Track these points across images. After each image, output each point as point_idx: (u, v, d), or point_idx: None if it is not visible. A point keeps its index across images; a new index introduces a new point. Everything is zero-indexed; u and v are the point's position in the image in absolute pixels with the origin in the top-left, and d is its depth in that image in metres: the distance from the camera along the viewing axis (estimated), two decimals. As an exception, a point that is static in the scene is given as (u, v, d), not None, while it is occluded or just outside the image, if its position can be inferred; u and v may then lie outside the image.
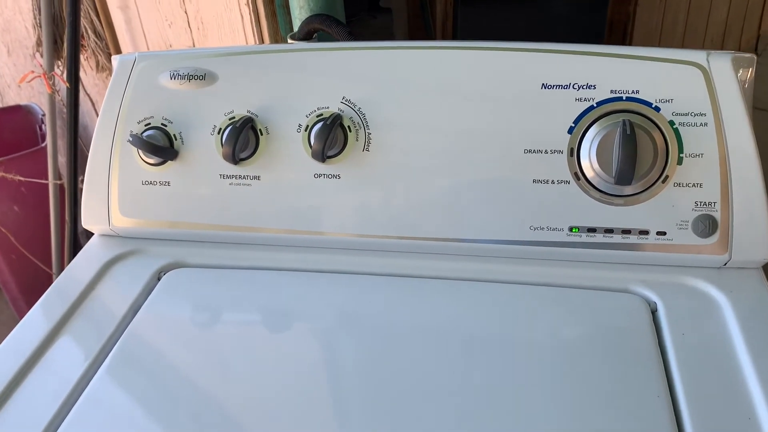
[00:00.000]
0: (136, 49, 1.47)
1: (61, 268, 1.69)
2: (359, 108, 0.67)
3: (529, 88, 0.65)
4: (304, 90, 0.69)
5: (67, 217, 1.40)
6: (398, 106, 0.67)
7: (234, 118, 0.69)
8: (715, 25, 2.64)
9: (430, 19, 1.47)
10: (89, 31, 1.51)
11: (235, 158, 0.68)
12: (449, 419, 0.52)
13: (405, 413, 0.53)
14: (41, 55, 1.56)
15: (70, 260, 1.44)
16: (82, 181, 1.49)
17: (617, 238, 0.64)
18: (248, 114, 0.69)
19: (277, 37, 1.18)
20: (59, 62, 1.56)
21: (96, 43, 1.52)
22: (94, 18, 1.50)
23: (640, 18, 2.16)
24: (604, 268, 0.66)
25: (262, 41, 1.17)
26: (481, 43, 0.66)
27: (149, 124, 0.71)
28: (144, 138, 0.69)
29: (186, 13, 1.27)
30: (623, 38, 2.20)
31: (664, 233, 0.63)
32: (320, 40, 1.10)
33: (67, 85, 1.29)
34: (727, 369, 0.55)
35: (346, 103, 0.68)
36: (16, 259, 1.85)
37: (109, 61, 1.55)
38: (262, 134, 0.69)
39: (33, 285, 1.91)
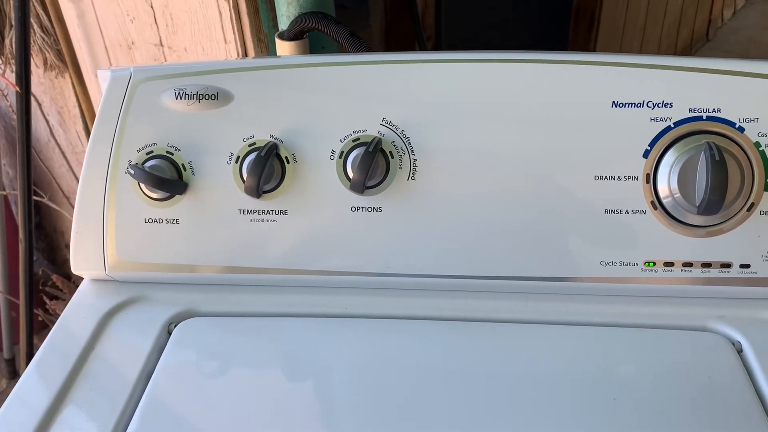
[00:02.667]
0: (90, 46, 1.32)
1: (8, 288, 1.54)
2: (402, 131, 0.59)
3: (598, 106, 0.57)
4: (336, 110, 0.59)
5: (21, 235, 1.26)
6: (447, 128, 0.59)
7: (255, 144, 0.59)
8: (672, 13, 2.66)
9: (417, 12, 1.38)
10: (35, 26, 1.35)
11: (259, 191, 0.58)
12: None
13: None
14: (-21, 54, 1.39)
15: (26, 281, 1.31)
16: (36, 194, 1.34)
17: (696, 272, 0.58)
18: (272, 139, 0.59)
19: (260, 36, 1.07)
20: (1, 60, 1.40)
21: (43, 39, 1.37)
22: (41, 11, 1.34)
23: (606, 6, 2.13)
24: (676, 305, 0.60)
25: (243, 40, 1.06)
26: (543, 54, 0.58)
27: (152, 152, 0.60)
28: (146, 169, 0.59)
29: (152, 7, 1.14)
30: (590, 26, 2.17)
31: (748, 266, 0.58)
32: (311, 41, 1.00)
33: (17, 89, 1.14)
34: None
35: (387, 125, 0.59)
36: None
37: (59, 58, 1.40)
38: (288, 162, 0.60)
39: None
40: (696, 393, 0.52)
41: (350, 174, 0.58)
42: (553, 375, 0.54)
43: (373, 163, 0.57)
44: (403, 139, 0.59)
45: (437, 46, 1.54)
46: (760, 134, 0.56)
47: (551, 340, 0.57)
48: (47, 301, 1.54)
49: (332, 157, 0.59)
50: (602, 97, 0.57)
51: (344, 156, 0.59)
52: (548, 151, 0.58)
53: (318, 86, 0.60)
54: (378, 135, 0.59)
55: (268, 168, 0.58)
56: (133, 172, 0.58)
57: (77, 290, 0.64)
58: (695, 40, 2.97)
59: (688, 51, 2.91)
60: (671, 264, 0.58)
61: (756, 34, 3.06)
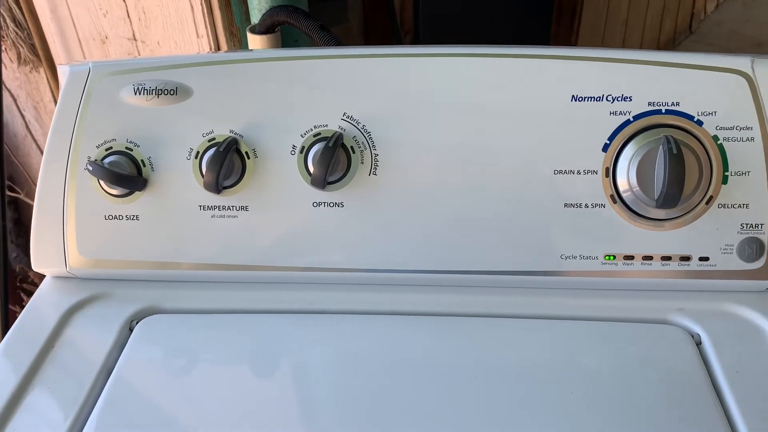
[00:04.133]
0: (64, 40, 1.31)
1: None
2: (363, 126, 0.58)
3: (558, 100, 0.57)
4: (297, 105, 0.59)
5: (-7, 232, 1.24)
6: (408, 123, 0.58)
7: (215, 139, 0.59)
8: (654, 5, 2.66)
9: (393, 5, 1.37)
10: (7, 20, 1.34)
11: (218, 187, 0.58)
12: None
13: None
14: (-49, 48, 1.37)
15: (1, 278, 1.29)
16: (10, 189, 1.33)
17: (656, 266, 0.58)
18: (231, 134, 0.59)
19: (232, 29, 1.06)
20: (-27, 55, 1.38)
21: (16, 33, 1.35)
22: (13, 5, 1.33)
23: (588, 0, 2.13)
24: (635, 298, 0.60)
25: (215, 34, 1.06)
26: (503, 48, 0.58)
27: (111, 148, 0.60)
28: (105, 165, 0.58)
29: (124, 1, 1.13)
30: (572, 18, 2.17)
31: (707, 258, 0.58)
32: (284, 35, 1.00)
33: (-12, 84, 1.13)
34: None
35: (348, 120, 0.58)
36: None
37: (33, 53, 1.39)
38: (248, 158, 0.59)
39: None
40: (653, 385, 0.53)
41: (311, 169, 0.58)
42: (512, 367, 0.54)
43: (334, 158, 0.56)
44: (365, 134, 0.58)
45: (415, 40, 1.53)
46: (718, 127, 0.56)
47: (510, 334, 0.57)
48: (25, 298, 1.53)
49: (293, 153, 0.59)
50: (562, 92, 0.57)
51: (305, 151, 0.59)
52: (508, 145, 0.58)
53: (279, 81, 0.59)
54: (339, 130, 0.58)
55: (227, 163, 0.57)
56: (91, 168, 0.58)
57: (38, 288, 0.64)
58: (678, 33, 2.98)
59: (671, 44, 2.91)
60: (631, 257, 0.58)
61: (739, 26, 3.07)
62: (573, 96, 0.57)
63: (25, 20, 1.34)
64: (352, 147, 0.58)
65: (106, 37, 1.22)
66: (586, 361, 0.55)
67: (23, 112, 1.58)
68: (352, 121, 0.58)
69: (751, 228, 0.57)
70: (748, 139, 0.56)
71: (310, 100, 0.59)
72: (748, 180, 0.56)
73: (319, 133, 0.58)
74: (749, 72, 0.56)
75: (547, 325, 0.58)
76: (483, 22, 1.81)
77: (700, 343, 0.57)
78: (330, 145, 0.56)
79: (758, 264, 0.58)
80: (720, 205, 0.57)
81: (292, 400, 0.53)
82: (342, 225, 0.59)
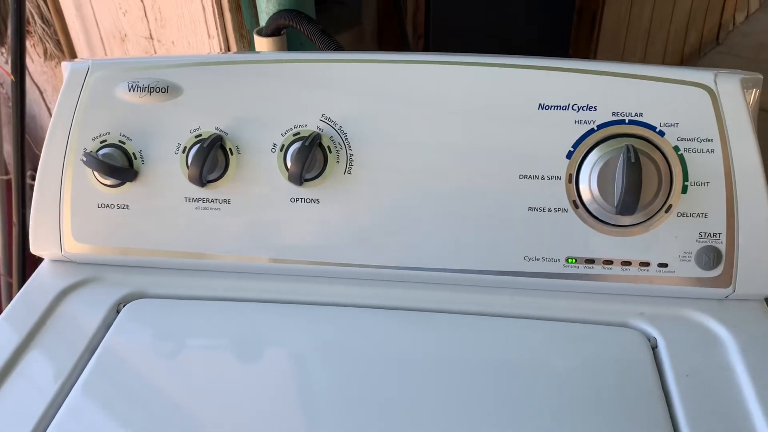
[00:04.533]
0: (87, 37, 1.37)
1: (8, 271, 1.59)
2: (340, 126, 0.62)
3: (525, 108, 0.60)
4: (279, 106, 0.62)
5: (14, 219, 1.30)
6: (383, 125, 0.61)
7: (201, 135, 0.63)
8: (679, 14, 2.65)
9: (402, 8, 1.40)
10: (35, 17, 1.40)
11: (202, 180, 0.61)
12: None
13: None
14: (-18, 42, 1.44)
15: (19, 264, 1.36)
16: (32, 177, 1.39)
17: (617, 270, 0.60)
18: (217, 131, 0.63)
19: (242, 31, 1.10)
20: (3, 49, 1.45)
21: (43, 29, 1.41)
22: (41, 1, 1.39)
23: (609, 6, 2.13)
24: (599, 300, 0.62)
25: (225, 36, 1.10)
26: (475, 57, 0.61)
27: (105, 141, 0.64)
28: (99, 157, 0.62)
29: (142, 1, 1.18)
30: (592, 26, 2.17)
31: (666, 265, 0.60)
32: (290, 38, 1.03)
33: (12, 78, 1.19)
34: (735, 414, 0.52)
35: (326, 121, 0.62)
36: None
37: (58, 48, 1.45)
38: (232, 154, 0.63)
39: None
40: (603, 384, 0.55)
41: (289, 166, 0.61)
42: (463, 361, 0.56)
43: (310, 157, 0.60)
44: (341, 134, 0.62)
45: (426, 46, 1.56)
46: (679, 138, 0.58)
47: (471, 330, 0.60)
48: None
49: (273, 150, 0.62)
50: (530, 100, 0.60)
51: (285, 149, 0.62)
52: (477, 150, 0.60)
53: (263, 82, 0.63)
54: (317, 130, 0.62)
55: (211, 158, 0.61)
56: (86, 159, 0.62)
57: (36, 270, 0.68)
58: (704, 44, 2.95)
59: (697, 55, 2.89)
60: (592, 261, 0.61)
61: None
62: (540, 104, 0.60)
63: (52, 17, 1.40)
64: (329, 147, 0.62)
65: (126, 35, 1.27)
66: (539, 358, 0.57)
67: (49, 106, 1.64)
68: (329, 122, 0.62)
69: (709, 237, 0.59)
70: (708, 150, 0.58)
71: (291, 101, 0.62)
72: (708, 190, 0.58)
73: (298, 133, 0.62)
74: (712, 86, 0.58)
75: (506, 323, 0.60)
76: (498, 29, 1.83)
77: (656, 347, 0.59)
78: (306, 144, 0.59)
79: (715, 272, 0.59)
80: (679, 214, 0.59)
81: (263, 382, 0.56)
82: (317, 220, 0.63)
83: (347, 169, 0.62)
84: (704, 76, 0.58)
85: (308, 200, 0.62)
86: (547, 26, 2.05)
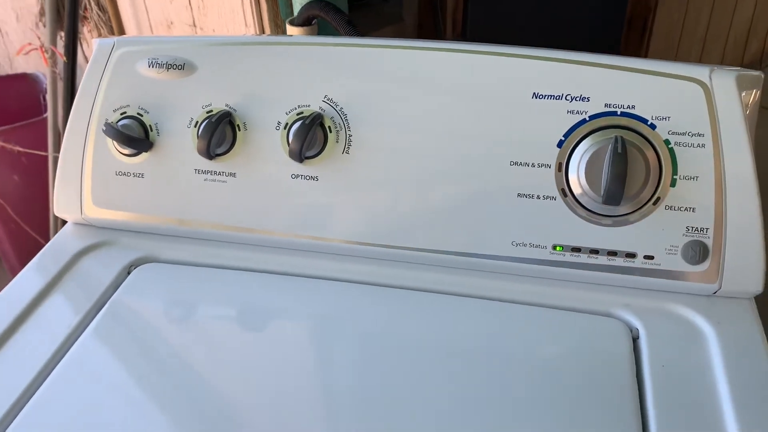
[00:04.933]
0: (138, 24, 1.44)
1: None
2: (341, 108, 0.64)
3: (519, 96, 0.61)
4: (285, 86, 0.66)
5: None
6: (382, 108, 0.64)
7: (212, 111, 0.67)
8: (739, 24, 2.57)
9: (438, 7, 1.42)
10: (92, 3, 1.48)
11: (210, 153, 0.65)
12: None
13: (362, 420, 0.50)
14: (44, 26, 1.53)
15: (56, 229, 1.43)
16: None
17: (602, 260, 0.61)
18: (226, 108, 0.66)
19: (277, 21, 1.14)
20: (62, 34, 1.53)
21: (99, 15, 1.49)
22: (98, -10, 1.47)
23: (661, 13, 2.10)
24: (587, 290, 0.63)
25: (261, 25, 1.14)
26: (471, 45, 0.62)
27: (125, 113, 0.68)
28: (118, 128, 0.67)
29: (187, -10, 1.24)
30: (642, 34, 2.14)
31: (652, 257, 0.60)
32: (320, 27, 1.07)
33: (65, 59, 1.26)
34: (705, 408, 0.52)
35: (328, 102, 0.65)
36: (14, 229, 1.84)
37: (112, 34, 1.53)
38: (239, 130, 0.66)
39: (32, 255, 1.91)
40: (577, 370, 0.56)
41: (291, 144, 0.64)
42: (441, 341, 0.58)
43: (310, 135, 0.62)
44: (342, 115, 0.64)
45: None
46: (670, 132, 0.59)
47: (453, 311, 0.61)
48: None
49: (277, 128, 0.66)
50: (525, 88, 0.61)
51: (288, 127, 0.65)
52: (470, 135, 0.62)
53: (273, 63, 0.66)
54: (319, 110, 0.65)
55: (218, 133, 0.65)
56: (105, 129, 0.66)
57: (59, 231, 0.73)
58: (766, 54, 2.86)
59: (758, 65, 2.80)
60: (578, 249, 0.61)
61: (836, 52, 2.91)
62: (534, 93, 0.61)
63: (106, 4, 1.48)
64: (329, 126, 0.64)
65: (172, 23, 1.33)
66: (519, 342, 0.58)
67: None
68: (331, 103, 0.64)
69: (696, 231, 0.59)
70: (699, 145, 0.58)
71: (297, 82, 0.65)
72: (696, 185, 0.58)
73: (301, 112, 0.65)
74: (706, 81, 0.58)
75: (489, 306, 0.62)
76: (543, 34, 1.83)
77: (638, 338, 0.59)
78: (307, 122, 0.62)
79: (702, 267, 0.59)
80: (667, 207, 0.59)
81: (257, 345, 0.59)
82: (315, 196, 0.65)
83: (345, 149, 0.64)
84: (699, 71, 0.59)
85: (308, 177, 0.65)
86: (595, 32, 2.02)
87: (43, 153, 1.64)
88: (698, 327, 0.59)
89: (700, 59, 2.41)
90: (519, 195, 0.62)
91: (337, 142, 0.64)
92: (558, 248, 0.62)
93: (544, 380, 0.55)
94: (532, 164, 0.61)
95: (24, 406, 0.53)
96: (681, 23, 2.26)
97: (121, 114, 0.68)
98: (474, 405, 0.53)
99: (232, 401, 0.54)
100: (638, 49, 2.13)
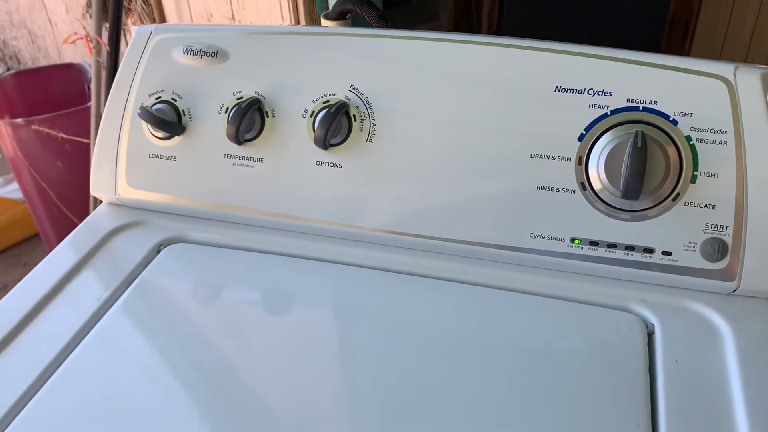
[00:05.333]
0: (180, 16, 1.48)
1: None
2: (366, 97, 0.66)
3: (542, 89, 0.62)
4: (313, 75, 0.67)
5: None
6: (406, 98, 0.65)
7: (242, 98, 0.69)
8: (788, 27, 2.51)
9: (473, 6, 1.43)
10: (137, -4, 1.53)
11: (239, 139, 0.67)
12: (419, 422, 0.51)
13: (373, 411, 0.52)
14: (90, 17, 1.58)
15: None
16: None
17: (620, 254, 0.61)
18: (256, 95, 0.68)
19: (312, 15, 1.16)
20: (107, 25, 1.58)
21: (143, 8, 1.54)
22: (142, -17, 1.51)
23: (704, 14, 2.06)
24: (604, 284, 0.63)
25: (297, 18, 1.16)
26: (496, 39, 0.63)
27: (160, 97, 0.71)
28: (153, 112, 0.69)
29: (227, -16, 1.27)
30: (684, 36, 2.11)
31: (670, 253, 0.60)
32: (354, 21, 1.08)
33: (108, 48, 1.31)
34: (716, 405, 0.52)
35: (354, 91, 0.66)
36: (57, 213, 1.91)
37: (154, 26, 1.57)
38: (268, 116, 0.68)
39: (72, 239, 1.97)
40: (590, 363, 0.56)
41: (316, 131, 0.66)
42: (460, 331, 0.59)
43: (335, 123, 0.64)
44: (366, 104, 0.66)
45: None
46: (692, 128, 0.59)
47: (471, 300, 0.62)
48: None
49: (304, 116, 0.67)
50: (546, 81, 0.62)
51: (314, 115, 0.67)
52: (492, 127, 0.63)
53: (302, 52, 0.68)
54: (344, 99, 0.66)
55: (247, 119, 0.67)
56: (140, 112, 0.69)
57: (95, 210, 0.76)
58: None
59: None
60: (596, 243, 0.62)
61: None
62: (557, 87, 0.61)
63: (150, -3, 1.52)
64: (354, 115, 0.66)
65: (212, 16, 1.36)
66: (533, 333, 0.59)
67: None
68: (357, 92, 0.66)
69: (715, 228, 0.59)
70: (721, 142, 0.58)
71: (325, 70, 0.67)
72: (717, 182, 0.58)
73: (327, 101, 0.67)
74: (731, 78, 0.58)
75: (506, 297, 0.63)
76: (580, 35, 1.81)
77: (653, 333, 0.59)
78: (332, 110, 0.64)
79: (721, 264, 0.59)
80: (686, 203, 0.59)
81: (278, 327, 0.61)
82: (338, 183, 0.67)
83: (369, 138, 0.66)
84: (724, 68, 0.58)
85: (332, 164, 0.67)
86: (634, 35, 2.00)
87: (85, 140, 1.69)
88: (715, 325, 0.59)
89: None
90: (539, 187, 0.62)
91: (361, 130, 0.66)
92: (576, 241, 0.62)
93: (557, 371, 0.55)
94: (553, 157, 0.62)
95: (51, 375, 0.56)
96: (725, 26, 2.21)
97: (156, 99, 0.71)
98: (487, 394, 0.53)
99: (254, 382, 0.55)
100: (679, 53, 2.09)
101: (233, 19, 1.31)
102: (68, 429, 0.52)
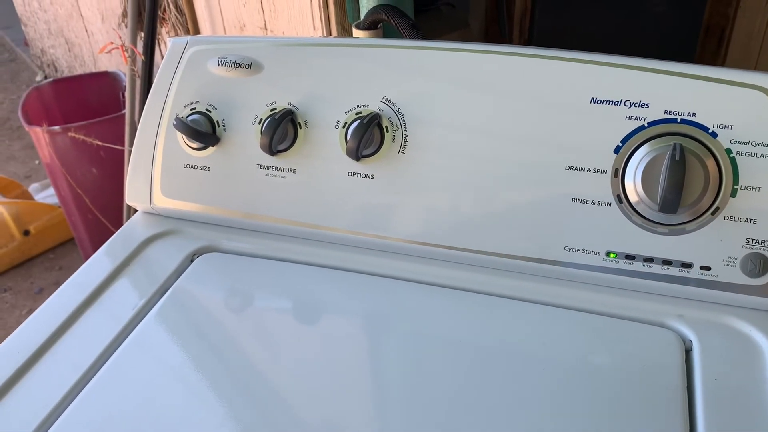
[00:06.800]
0: (213, 25, 1.50)
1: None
2: (398, 108, 0.66)
3: (577, 100, 0.61)
4: (346, 86, 0.68)
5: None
6: (439, 109, 0.65)
7: (275, 109, 0.69)
8: (827, 35, 2.45)
9: (504, 14, 1.42)
10: (171, 6, 1.55)
11: (272, 149, 0.68)
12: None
13: (403, 423, 0.52)
14: (126, 26, 1.61)
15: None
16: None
17: (657, 269, 0.60)
18: (289, 106, 0.69)
19: (344, 24, 1.17)
20: (142, 34, 1.61)
21: (176, 17, 1.56)
22: (177, -7, 1.53)
23: (740, 22, 2.02)
24: (641, 299, 0.62)
25: (329, 28, 1.17)
26: (530, 49, 0.63)
27: (195, 108, 0.72)
28: (188, 122, 0.70)
29: (260, -6, 1.28)
30: (719, 44, 2.07)
31: (709, 268, 0.59)
32: (385, 31, 1.09)
33: (143, 57, 1.33)
34: (756, 422, 0.51)
35: (386, 102, 0.66)
36: (91, 219, 1.94)
37: (187, 35, 1.59)
38: (301, 127, 0.69)
39: (106, 244, 2.00)
40: (628, 379, 0.55)
41: (348, 142, 0.66)
42: (492, 344, 0.59)
43: (367, 134, 0.64)
44: (399, 116, 0.66)
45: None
46: (732, 141, 0.57)
47: (505, 314, 0.62)
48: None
49: (336, 127, 0.68)
50: (583, 93, 0.61)
51: (346, 126, 0.67)
52: (526, 138, 0.62)
53: (334, 64, 0.68)
54: (377, 110, 0.66)
55: (281, 130, 0.67)
56: (176, 123, 0.70)
57: (130, 219, 0.78)
58: None
59: None
60: (632, 257, 0.61)
61: None
62: (593, 98, 0.61)
63: (184, 7, 1.54)
64: (386, 126, 0.66)
65: (244, 25, 1.38)
66: (570, 348, 0.58)
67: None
68: (389, 104, 0.66)
69: (756, 243, 0.57)
70: (762, 155, 0.57)
71: (357, 82, 0.67)
72: (758, 195, 0.57)
73: (360, 112, 0.67)
74: (772, 89, 0.57)
75: (542, 311, 0.62)
76: (613, 41, 1.79)
77: (691, 350, 0.58)
78: (364, 122, 0.64)
79: (762, 281, 0.58)
80: (726, 217, 0.58)
81: (310, 337, 0.61)
82: (370, 194, 0.67)
83: (401, 149, 0.66)
84: (764, 79, 0.57)
85: (364, 175, 0.67)
86: (668, 43, 1.97)
87: (120, 147, 1.72)
88: (755, 342, 0.58)
89: (781, 71, 2.31)
90: (573, 200, 0.61)
91: (393, 141, 0.66)
92: (612, 255, 0.61)
93: (593, 387, 0.55)
94: (588, 169, 0.61)
95: (89, 381, 0.57)
96: (762, 34, 2.17)
97: (191, 109, 0.72)
98: (521, 409, 0.53)
99: (285, 390, 0.55)
100: (714, 61, 2.06)
101: (265, 28, 1.33)
102: (104, 436, 0.52)
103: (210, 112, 0.72)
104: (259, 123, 0.70)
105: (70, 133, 1.74)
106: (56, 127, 1.76)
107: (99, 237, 1.98)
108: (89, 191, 1.88)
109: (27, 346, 0.60)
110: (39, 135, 1.79)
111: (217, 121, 0.71)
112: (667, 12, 1.91)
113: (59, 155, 1.81)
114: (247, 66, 0.70)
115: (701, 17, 2.03)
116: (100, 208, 1.89)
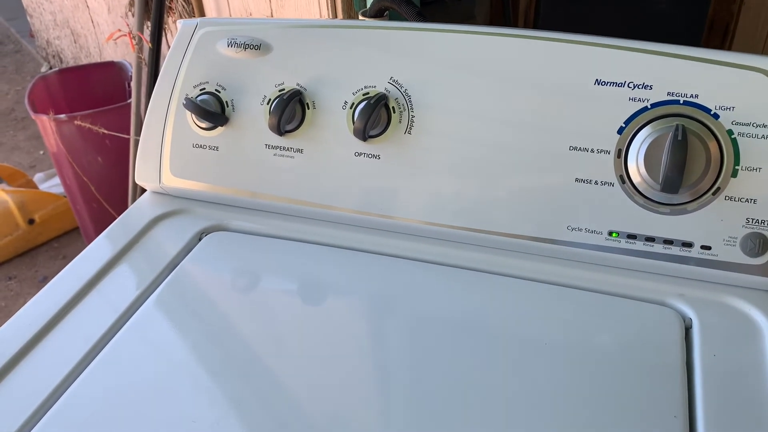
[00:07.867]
0: (219, 14, 1.51)
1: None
2: (405, 90, 0.67)
3: (582, 82, 0.62)
4: (353, 67, 0.69)
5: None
6: (445, 90, 0.66)
7: (284, 89, 0.70)
8: (831, 31, 2.45)
9: (509, 7, 1.43)
10: (178, -5, 1.56)
11: (280, 129, 0.69)
12: (454, 415, 0.51)
13: (408, 402, 0.53)
14: (133, 15, 1.62)
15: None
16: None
17: (658, 248, 0.61)
18: (297, 87, 0.70)
19: (350, 12, 1.18)
20: (148, 23, 1.62)
21: (183, 6, 1.57)
22: (183, -18, 1.54)
23: (744, 18, 2.03)
24: (642, 278, 0.63)
25: (335, 16, 1.18)
26: (535, 32, 0.64)
27: (204, 89, 0.73)
28: (197, 102, 0.71)
29: (266, -18, 1.29)
30: (723, 39, 2.07)
31: (709, 248, 0.60)
32: (391, 19, 1.09)
33: (150, 45, 1.34)
34: (755, 399, 0.52)
35: (393, 83, 0.67)
36: (96, 208, 1.96)
37: (194, 25, 1.60)
38: (309, 108, 0.70)
39: (110, 233, 2.02)
40: (629, 355, 0.56)
41: (355, 123, 0.67)
42: (496, 323, 0.60)
43: (374, 115, 0.65)
44: (405, 97, 0.67)
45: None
46: (734, 122, 0.58)
47: (508, 293, 0.63)
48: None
49: (344, 108, 0.69)
50: (587, 74, 0.62)
51: (354, 107, 0.68)
52: (530, 119, 0.63)
53: (342, 45, 0.69)
54: (384, 91, 0.67)
55: (289, 110, 0.68)
56: (185, 103, 0.71)
57: (139, 198, 0.79)
58: None
59: None
60: (634, 237, 0.62)
61: None
62: (597, 80, 0.62)
63: (191, -4, 1.55)
64: (393, 107, 0.67)
65: (251, 14, 1.39)
66: (570, 326, 0.59)
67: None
68: (396, 85, 0.67)
69: (756, 223, 0.58)
70: (763, 136, 0.58)
71: (365, 63, 0.68)
72: (759, 176, 0.58)
73: (367, 93, 0.68)
74: (774, 72, 0.58)
75: (543, 289, 0.63)
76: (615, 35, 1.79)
77: (690, 328, 0.59)
78: (371, 102, 0.65)
79: (761, 260, 0.59)
80: (727, 198, 0.59)
81: (316, 317, 0.62)
82: (377, 174, 0.68)
83: (408, 130, 0.67)
84: (765, 61, 0.58)
85: (370, 155, 0.68)
86: (673, 36, 1.97)
87: (125, 136, 1.73)
88: (754, 320, 0.59)
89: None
90: (577, 180, 0.62)
91: (399, 122, 0.67)
92: (614, 234, 0.62)
93: (594, 364, 0.56)
94: (592, 150, 0.62)
95: (94, 358, 0.58)
96: (766, 30, 2.17)
97: (201, 90, 0.73)
98: (523, 386, 0.54)
99: (290, 372, 0.56)
100: (718, 55, 2.06)
101: (272, 17, 1.34)
102: (107, 415, 0.53)
103: (219, 92, 0.73)
104: (268, 103, 0.71)
105: (76, 122, 1.76)
106: (62, 116, 1.77)
107: (103, 226, 1.98)
108: (94, 180, 1.89)
109: (37, 319, 0.61)
110: (45, 123, 1.80)
111: (226, 102, 0.72)
112: (671, 8, 1.92)
113: (65, 143, 1.82)
114: (256, 47, 0.71)
115: (706, 13, 2.04)
116: (105, 196, 1.90)
